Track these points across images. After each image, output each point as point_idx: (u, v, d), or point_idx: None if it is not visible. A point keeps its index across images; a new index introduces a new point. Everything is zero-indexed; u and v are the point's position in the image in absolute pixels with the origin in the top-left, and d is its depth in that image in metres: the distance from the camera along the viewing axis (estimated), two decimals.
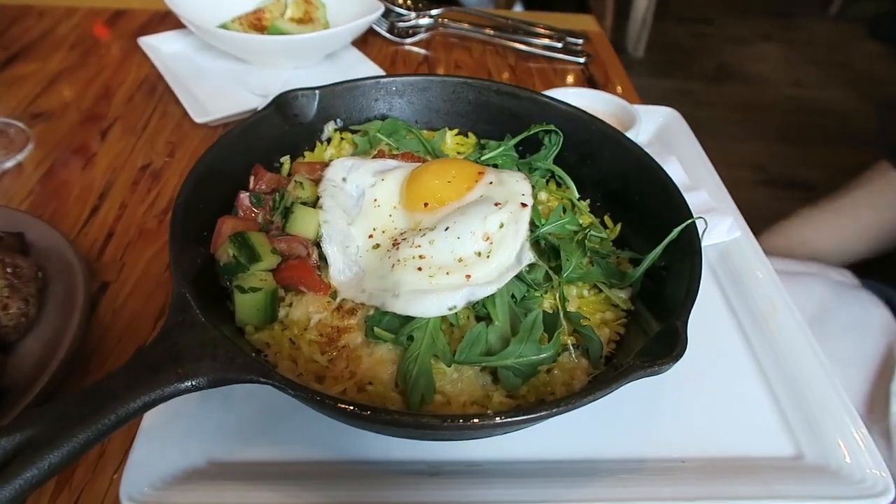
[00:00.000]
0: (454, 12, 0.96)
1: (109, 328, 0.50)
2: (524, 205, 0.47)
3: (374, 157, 0.57)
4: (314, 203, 0.51)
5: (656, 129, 0.73)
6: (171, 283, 0.53)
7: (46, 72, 0.81)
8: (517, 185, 0.49)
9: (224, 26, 0.78)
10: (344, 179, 0.52)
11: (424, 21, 0.93)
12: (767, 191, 2.74)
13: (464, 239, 0.45)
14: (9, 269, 0.45)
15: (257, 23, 0.81)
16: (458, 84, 0.62)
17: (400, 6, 0.94)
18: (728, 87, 3.39)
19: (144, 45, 0.82)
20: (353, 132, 0.60)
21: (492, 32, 0.92)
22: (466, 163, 0.53)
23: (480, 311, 0.45)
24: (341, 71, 0.80)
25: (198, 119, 0.70)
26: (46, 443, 0.32)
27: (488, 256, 0.45)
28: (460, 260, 0.44)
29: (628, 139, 0.56)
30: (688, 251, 0.46)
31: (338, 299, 0.45)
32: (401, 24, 0.91)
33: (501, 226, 0.46)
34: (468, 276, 0.44)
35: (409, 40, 0.90)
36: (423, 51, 0.91)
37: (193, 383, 0.36)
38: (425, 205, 0.49)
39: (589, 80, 0.86)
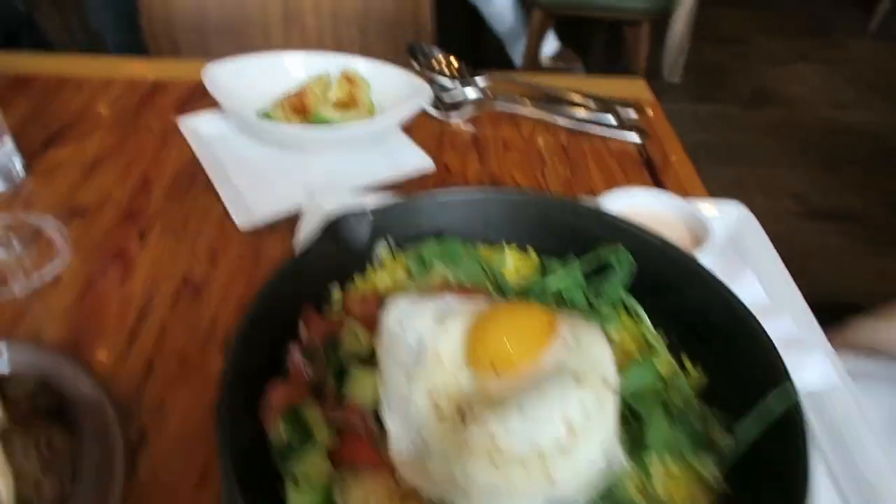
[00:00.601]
0: (501, 81, 0.92)
1: (149, 498, 0.46)
2: (608, 387, 0.43)
3: (432, 289, 0.53)
4: (370, 355, 0.47)
5: (726, 232, 0.68)
6: (212, 438, 0.49)
7: (84, 156, 0.79)
8: (596, 352, 0.45)
9: (266, 114, 0.75)
10: (401, 327, 0.49)
11: (471, 94, 0.89)
12: (809, 223, 2.65)
13: (541, 424, 0.40)
14: (44, 446, 0.42)
15: (300, 106, 0.78)
16: (518, 201, 0.58)
17: (440, 73, 0.90)
18: (765, 110, 3.30)
19: (184, 126, 0.80)
20: (406, 252, 0.57)
21: (539, 104, 0.88)
22: (536, 311, 0.48)
23: None
24: (387, 157, 0.77)
25: (241, 224, 0.67)
26: None
27: (571, 451, 0.40)
28: (539, 453, 0.40)
29: (710, 274, 0.51)
30: (789, 432, 0.41)
31: (401, 484, 0.41)
32: (446, 98, 0.88)
33: (584, 410, 0.41)
34: (550, 477, 0.39)
35: (455, 117, 0.86)
36: (471, 128, 0.86)
37: None
38: (493, 368, 0.45)
39: (647, 163, 0.81)
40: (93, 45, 3.00)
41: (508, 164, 0.80)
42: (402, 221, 0.57)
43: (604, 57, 3.21)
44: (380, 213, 0.55)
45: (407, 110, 0.72)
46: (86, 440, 0.46)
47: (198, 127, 0.80)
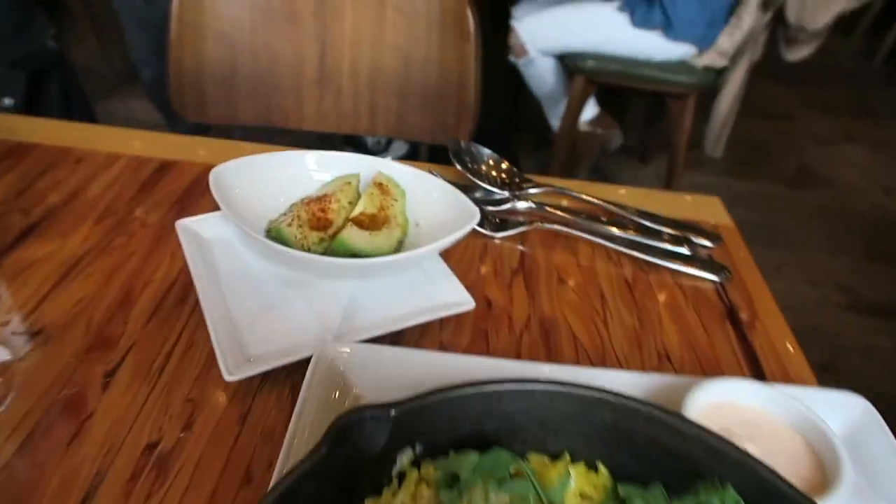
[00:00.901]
0: (557, 194, 0.79)
1: None
2: None
3: None
4: None
5: (847, 440, 0.53)
6: None
7: (63, 255, 0.67)
8: None
9: (275, 230, 0.63)
10: None
11: (521, 205, 0.76)
12: (856, 318, 2.47)
13: None
14: None
15: (322, 215, 0.65)
16: (593, 402, 0.44)
17: (489, 180, 0.77)
18: (810, 192, 3.16)
19: (182, 229, 0.67)
20: (437, 464, 0.43)
21: (597, 223, 0.74)
22: None
23: None
24: (417, 289, 0.63)
25: (228, 376, 0.53)
26: None
27: None
28: None
29: None
30: None
31: None
32: (492, 211, 0.75)
33: None
34: None
35: (500, 234, 0.73)
36: (519, 247, 0.73)
37: None
38: None
39: (729, 314, 0.67)
40: (131, 76, 2.98)
41: (563, 302, 0.66)
42: (433, 421, 0.43)
43: (644, 126, 3.11)
44: (406, 411, 0.42)
45: (450, 240, 0.59)
46: None
47: (199, 229, 0.67)
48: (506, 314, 0.64)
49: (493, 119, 1.67)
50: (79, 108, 1.76)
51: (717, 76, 2.35)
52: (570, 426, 0.44)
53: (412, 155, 2.48)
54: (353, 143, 2.62)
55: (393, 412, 0.41)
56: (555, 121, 2.59)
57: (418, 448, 0.43)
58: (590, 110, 2.65)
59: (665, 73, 2.28)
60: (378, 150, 2.63)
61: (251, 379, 0.55)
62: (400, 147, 2.63)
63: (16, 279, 0.64)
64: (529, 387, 0.44)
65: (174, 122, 2.35)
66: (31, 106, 1.59)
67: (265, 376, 0.55)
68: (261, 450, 0.50)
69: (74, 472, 0.47)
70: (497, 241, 0.74)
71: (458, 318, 0.63)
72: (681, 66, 2.26)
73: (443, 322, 0.62)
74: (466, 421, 0.43)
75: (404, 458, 0.42)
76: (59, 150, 0.83)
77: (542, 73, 2.46)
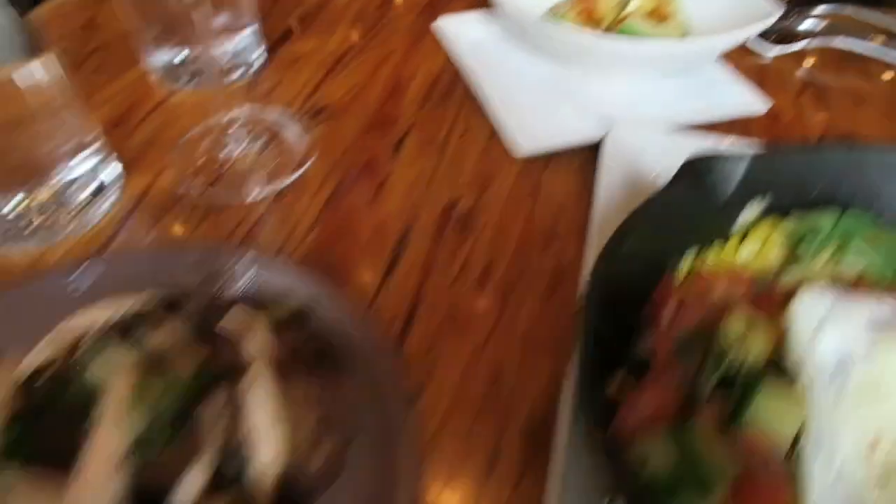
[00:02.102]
0: (844, 16, 0.69)
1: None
2: None
3: (843, 281, 0.36)
4: (775, 366, 0.31)
5: None
6: (495, 419, 0.36)
7: (326, 53, 0.69)
8: None
9: (553, 19, 0.60)
10: (817, 332, 0.32)
11: (803, 26, 0.67)
12: None
13: None
14: (325, 396, 0.31)
15: (590, 14, 0.61)
16: None
17: None
18: None
19: (441, 30, 0.66)
20: (791, 220, 0.39)
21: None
22: None
23: None
24: (698, 90, 0.58)
25: (517, 149, 0.52)
26: None
27: None
28: None
29: None
30: None
31: None
32: (773, 28, 0.67)
33: None
34: None
35: (775, 50, 0.66)
36: (803, 70, 0.65)
37: None
38: None
39: None
40: None
41: (862, 120, 0.59)
42: (787, 174, 0.39)
43: None
44: (763, 157, 0.38)
45: (743, 33, 0.53)
46: (359, 392, 0.34)
47: (459, 31, 0.66)
48: (798, 125, 0.58)
49: None
50: None
51: None
52: None
53: None
54: None
55: (750, 159, 0.38)
56: None
57: (768, 200, 0.39)
58: None
59: None
60: None
61: (536, 159, 0.54)
62: None
63: (289, 70, 0.66)
64: None
65: None
66: None
67: (550, 157, 0.54)
68: (557, 218, 0.49)
69: (383, 222, 0.49)
70: (774, 61, 0.66)
71: (745, 125, 0.57)
72: None
73: (727, 128, 0.57)
74: (821, 181, 0.39)
75: (754, 207, 0.39)
76: None
77: None
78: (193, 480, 0.27)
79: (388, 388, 0.34)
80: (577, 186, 0.51)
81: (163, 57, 0.62)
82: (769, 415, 0.28)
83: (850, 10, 0.68)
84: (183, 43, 0.62)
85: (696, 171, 0.37)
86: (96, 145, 0.49)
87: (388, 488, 0.31)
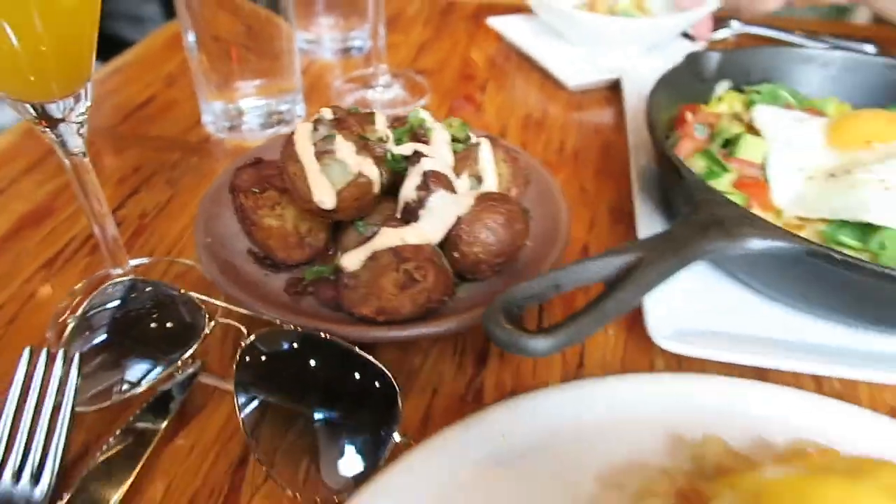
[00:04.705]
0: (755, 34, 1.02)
1: None
2: None
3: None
4: (749, 129, 0.58)
5: None
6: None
7: (411, 42, 0.97)
8: None
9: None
10: (769, 120, 0.60)
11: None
12: None
13: None
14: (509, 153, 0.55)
15: (592, 7, 0.92)
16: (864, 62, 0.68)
17: None
18: None
19: (493, 24, 0.96)
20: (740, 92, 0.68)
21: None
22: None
23: None
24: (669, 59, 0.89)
25: (570, 84, 0.81)
26: (648, 263, 0.40)
27: None
28: None
29: None
30: None
31: (783, 217, 0.52)
32: None
33: None
34: None
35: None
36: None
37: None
38: (867, 141, 0.55)
39: None
40: None
41: None
42: (741, 67, 0.68)
43: None
44: (726, 56, 0.67)
45: (703, 10, 0.85)
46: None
47: (504, 27, 0.95)
48: None
49: None
50: None
51: None
52: (860, 81, 0.68)
53: None
54: None
55: (721, 54, 0.67)
56: None
57: (730, 83, 0.68)
58: None
59: None
60: None
61: (576, 95, 0.82)
62: None
63: (392, 50, 0.93)
64: (795, 53, 0.68)
65: None
66: None
67: (582, 93, 0.82)
68: (600, 117, 0.77)
69: (486, 125, 0.75)
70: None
71: None
72: None
73: None
74: (763, 70, 0.68)
75: (723, 86, 0.68)
76: None
77: None
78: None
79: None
80: (608, 104, 0.79)
81: None
82: (748, 149, 0.55)
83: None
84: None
85: (693, 59, 0.66)
86: None
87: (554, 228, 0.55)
